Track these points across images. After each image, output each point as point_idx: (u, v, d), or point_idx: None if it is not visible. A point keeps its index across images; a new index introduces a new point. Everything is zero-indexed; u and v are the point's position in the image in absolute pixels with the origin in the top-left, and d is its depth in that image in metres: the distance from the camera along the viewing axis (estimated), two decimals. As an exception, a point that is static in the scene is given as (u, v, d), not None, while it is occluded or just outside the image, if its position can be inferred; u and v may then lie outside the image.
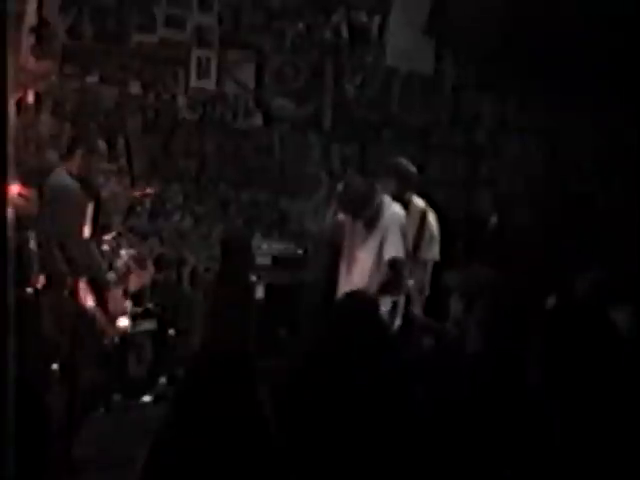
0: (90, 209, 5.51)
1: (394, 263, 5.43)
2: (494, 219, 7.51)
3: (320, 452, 2.62)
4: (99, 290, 5.17)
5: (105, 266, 5.53)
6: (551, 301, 3.87)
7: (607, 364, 2.52)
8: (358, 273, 5.55)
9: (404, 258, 5.47)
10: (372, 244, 5.50)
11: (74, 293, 4.87)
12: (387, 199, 5.58)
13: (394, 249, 5.42)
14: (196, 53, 7.04)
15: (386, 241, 5.44)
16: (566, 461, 2.44)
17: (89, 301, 5.10)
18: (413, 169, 5.95)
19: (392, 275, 5.45)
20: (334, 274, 5.74)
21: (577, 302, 3.87)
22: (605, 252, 6.39)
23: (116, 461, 4.97)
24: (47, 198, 5.35)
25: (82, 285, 4.99)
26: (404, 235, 5.53)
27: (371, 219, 5.50)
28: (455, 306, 3.76)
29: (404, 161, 5.98)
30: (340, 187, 5.59)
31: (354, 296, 3.83)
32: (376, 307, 3.74)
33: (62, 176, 5.38)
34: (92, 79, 6.79)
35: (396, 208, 5.59)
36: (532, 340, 2.60)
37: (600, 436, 2.43)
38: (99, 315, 5.18)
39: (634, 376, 2.58)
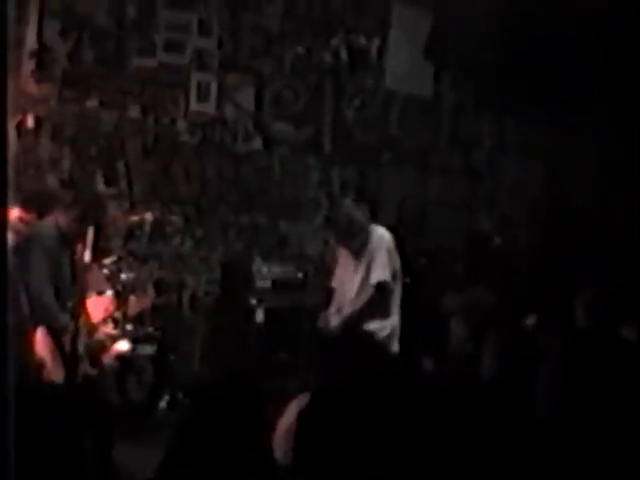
0: (90, 233, 5.45)
1: (380, 286, 5.50)
2: (498, 240, 7.51)
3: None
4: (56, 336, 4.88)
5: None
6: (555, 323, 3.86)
7: (623, 384, 2.50)
8: (349, 299, 5.62)
9: (390, 280, 5.54)
10: (360, 269, 5.58)
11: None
12: (373, 224, 5.67)
13: (380, 272, 5.53)
14: (196, 77, 7.06)
15: (373, 265, 5.53)
16: None
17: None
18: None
19: (379, 298, 5.52)
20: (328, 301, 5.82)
21: (586, 324, 3.85)
22: (605, 269, 6.39)
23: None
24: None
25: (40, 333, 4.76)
26: (391, 257, 5.59)
27: (360, 246, 5.58)
28: (457, 329, 3.75)
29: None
30: (334, 216, 5.71)
31: (346, 335, 3.80)
32: (371, 338, 3.71)
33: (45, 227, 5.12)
34: (92, 103, 6.80)
35: (382, 231, 5.67)
36: (544, 364, 2.58)
37: (615, 457, 2.42)
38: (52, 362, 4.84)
39: None
